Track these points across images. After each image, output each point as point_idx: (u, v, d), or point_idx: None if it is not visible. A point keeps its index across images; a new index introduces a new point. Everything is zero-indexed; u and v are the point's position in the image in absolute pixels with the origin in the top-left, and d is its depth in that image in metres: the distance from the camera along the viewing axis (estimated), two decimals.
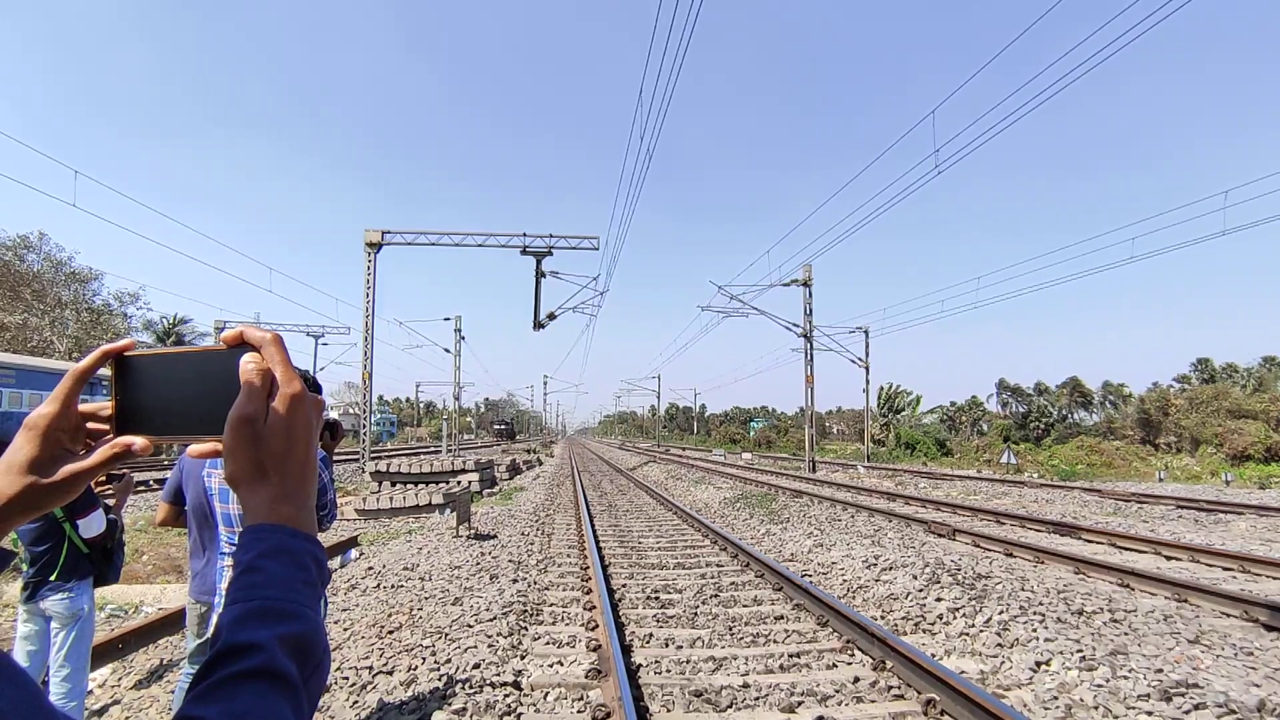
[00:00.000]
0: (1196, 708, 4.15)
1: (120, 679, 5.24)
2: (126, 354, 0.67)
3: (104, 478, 3.56)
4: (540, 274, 23.84)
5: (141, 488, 17.45)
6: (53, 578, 3.55)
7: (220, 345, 0.65)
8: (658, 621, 6.33)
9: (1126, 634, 5.66)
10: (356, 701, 4.43)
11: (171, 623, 6.07)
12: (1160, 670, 4.68)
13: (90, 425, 0.67)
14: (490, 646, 5.32)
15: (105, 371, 0.68)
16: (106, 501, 3.88)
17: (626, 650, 5.37)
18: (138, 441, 0.66)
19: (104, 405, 0.67)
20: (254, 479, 0.61)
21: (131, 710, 4.68)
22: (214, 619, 2.96)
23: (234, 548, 2.81)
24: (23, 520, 0.63)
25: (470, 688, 4.50)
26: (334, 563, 9.61)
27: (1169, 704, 4.20)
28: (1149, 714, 4.12)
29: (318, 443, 0.66)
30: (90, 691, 4.78)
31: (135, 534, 11.74)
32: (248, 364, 0.62)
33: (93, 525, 3.67)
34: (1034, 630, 5.54)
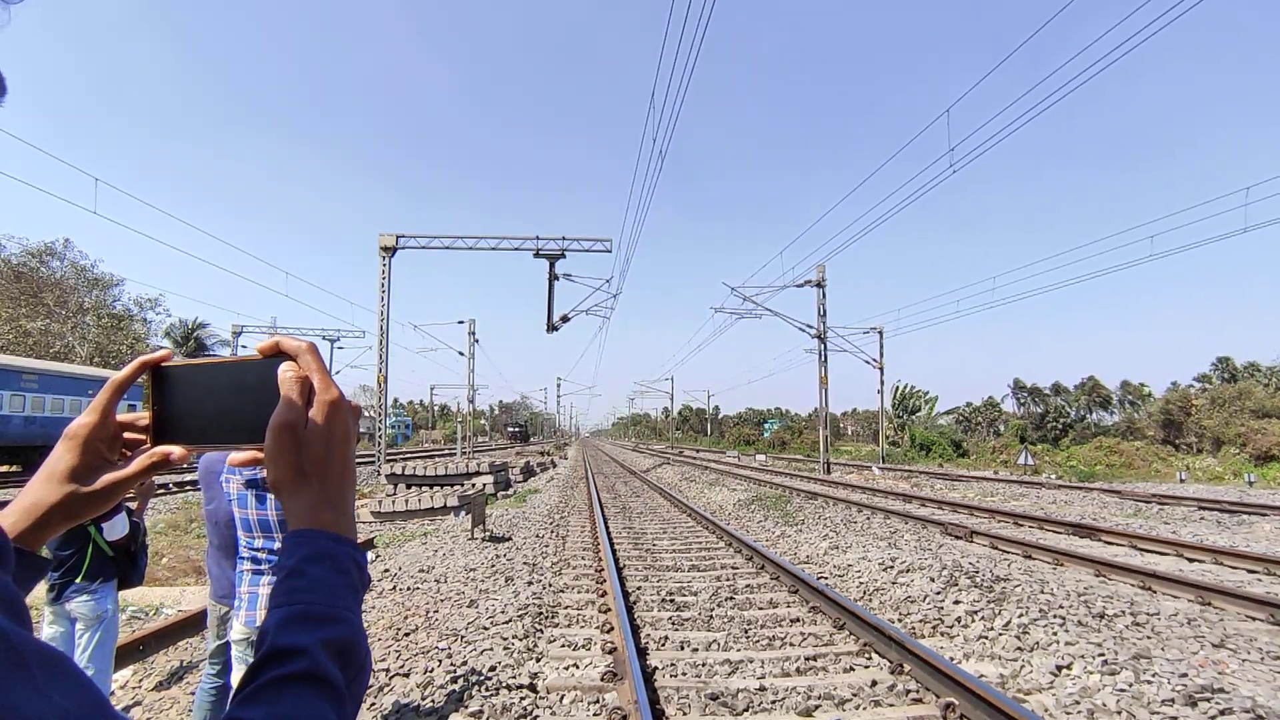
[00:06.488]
0: (1223, 713, 4.08)
1: (141, 680, 5.30)
2: (163, 364, 0.68)
3: None
4: (553, 276, 23.90)
5: (161, 491, 17.68)
6: (78, 580, 3.61)
7: (255, 355, 0.66)
8: (673, 624, 6.32)
9: (1149, 637, 5.58)
10: (373, 704, 4.46)
11: (191, 624, 6.14)
12: (1185, 675, 4.61)
13: (127, 435, 0.68)
14: (506, 649, 5.34)
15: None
16: (129, 505, 3.93)
17: (642, 653, 5.37)
18: (175, 451, 0.67)
19: (141, 415, 0.69)
20: (296, 485, 0.62)
21: (153, 711, 4.74)
22: (234, 621, 2.99)
23: (252, 552, 2.85)
24: (62, 528, 0.64)
25: (486, 690, 4.52)
26: None
27: (1194, 709, 4.14)
28: (1174, 719, 4.06)
29: (355, 447, 0.66)
30: (112, 693, 4.85)
31: (156, 536, 11.90)
32: (285, 372, 0.64)
33: (116, 528, 3.73)
34: (1054, 633, 5.47)
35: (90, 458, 0.65)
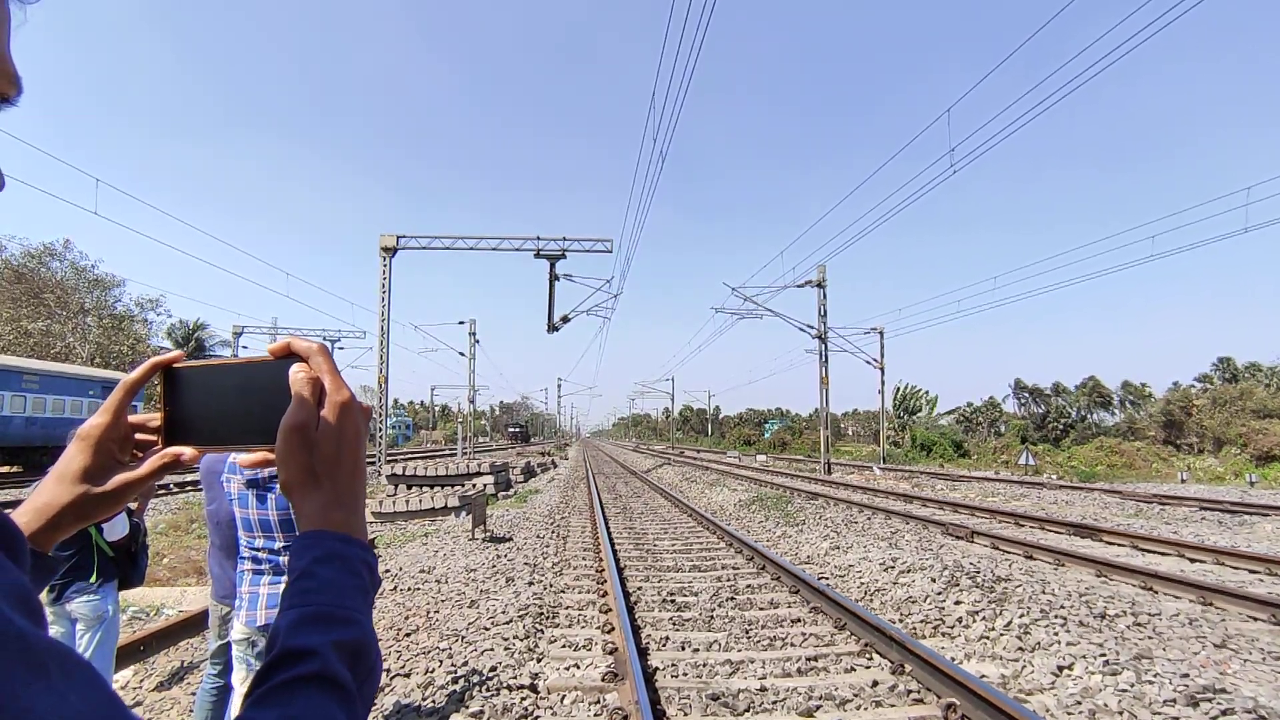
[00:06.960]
0: (1225, 713, 4.08)
1: (142, 681, 5.31)
2: (175, 365, 0.68)
3: None
4: (554, 277, 23.90)
5: (162, 491, 17.67)
6: (79, 580, 3.61)
7: (267, 356, 0.66)
8: (674, 624, 6.32)
9: (1151, 638, 5.58)
10: (374, 704, 4.46)
11: (192, 625, 6.13)
12: (1186, 675, 4.61)
13: (139, 436, 0.69)
14: (507, 649, 5.34)
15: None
16: (129, 505, 3.94)
17: (643, 653, 5.37)
18: (187, 451, 0.67)
19: (153, 416, 0.69)
20: (307, 486, 0.62)
21: (153, 711, 4.74)
22: (235, 621, 2.99)
23: (253, 552, 2.85)
24: (74, 528, 0.64)
25: (487, 690, 4.52)
26: None
27: (1196, 709, 4.14)
28: (1175, 719, 4.06)
29: (366, 448, 0.67)
30: None
31: (156, 537, 11.91)
32: (297, 373, 0.64)
33: (116, 528, 3.74)
34: (1056, 634, 5.47)
35: (102, 458, 0.65)
